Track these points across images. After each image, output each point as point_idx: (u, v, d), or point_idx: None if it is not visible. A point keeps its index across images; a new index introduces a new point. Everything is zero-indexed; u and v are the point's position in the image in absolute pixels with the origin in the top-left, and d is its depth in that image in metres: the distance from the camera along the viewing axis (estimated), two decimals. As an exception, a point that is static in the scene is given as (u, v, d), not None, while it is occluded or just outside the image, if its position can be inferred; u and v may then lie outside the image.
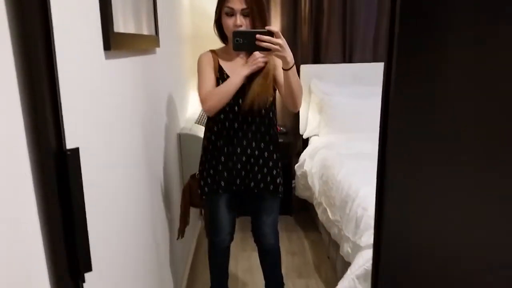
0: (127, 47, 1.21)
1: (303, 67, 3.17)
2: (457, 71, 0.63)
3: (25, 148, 0.63)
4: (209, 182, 1.71)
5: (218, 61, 1.64)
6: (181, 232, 1.90)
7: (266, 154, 1.67)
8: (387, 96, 0.65)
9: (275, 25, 3.14)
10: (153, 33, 1.64)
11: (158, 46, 1.72)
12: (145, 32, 1.49)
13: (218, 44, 1.70)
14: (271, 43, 1.34)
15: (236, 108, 1.61)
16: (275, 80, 1.60)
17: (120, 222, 1.12)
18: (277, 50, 1.35)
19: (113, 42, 1.04)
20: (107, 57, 1.03)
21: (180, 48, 2.57)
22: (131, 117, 1.28)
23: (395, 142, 0.67)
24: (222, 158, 1.66)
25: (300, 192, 2.94)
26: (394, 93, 0.66)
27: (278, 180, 1.71)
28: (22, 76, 0.63)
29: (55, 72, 0.65)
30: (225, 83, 1.55)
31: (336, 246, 2.16)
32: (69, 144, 0.68)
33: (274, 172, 1.69)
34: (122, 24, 1.16)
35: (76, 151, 0.66)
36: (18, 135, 0.62)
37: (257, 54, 1.51)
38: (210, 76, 1.61)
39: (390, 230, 0.71)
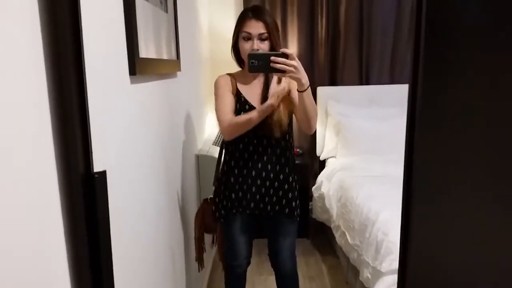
0: (151, 72, 1.24)
1: (319, 89, 3.19)
2: (483, 95, 0.63)
3: (54, 170, 0.65)
4: (226, 204, 1.71)
5: (236, 84, 1.66)
6: (200, 261, 1.88)
7: (281, 176, 1.66)
8: (413, 119, 0.65)
9: (292, 47, 3.19)
10: (175, 57, 1.69)
11: (180, 70, 1.76)
12: (168, 57, 1.53)
13: (234, 68, 1.73)
14: (286, 65, 1.35)
15: (252, 131, 1.61)
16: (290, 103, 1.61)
17: (140, 245, 1.13)
18: (291, 71, 1.36)
19: (138, 67, 1.07)
20: (132, 82, 1.06)
21: (199, 72, 2.62)
22: (154, 140, 1.30)
23: (420, 167, 0.66)
24: (238, 180, 1.66)
25: (318, 215, 2.91)
26: (420, 117, 0.65)
27: (293, 203, 1.69)
28: (54, 99, 0.65)
29: (85, 97, 0.67)
30: (248, 115, 1.54)
31: (355, 271, 2.11)
32: (97, 167, 0.69)
33: (290, 195, 1.68)
34: (146, 49, 1.20)
35: (103, 174, 0.68)
36: (48, 157, 0.64)
37: (278, 86, 1.51)
38: (228, 99, 1.62)
39: (415, 257, 0.69)
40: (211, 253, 2.72)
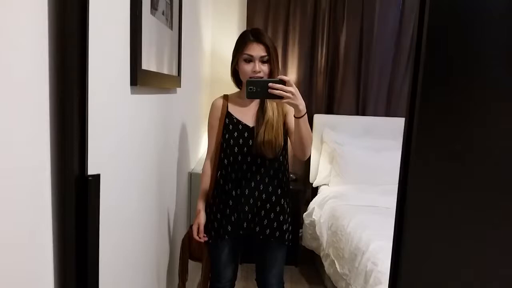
0: (151, 84, 1.26)
1: (316, 117, 3.22)
2: (481, 128, 0.63)
3: (48, 170, 0.64)
4: (216, 226, 1.68)
5: (227, 106, 1.68)
6: None
7: (273, 198, 1.65)
8: (408, 150, 0.65)
9: (292, 74, 3.24)
10: (176, 73, 1.71)
11: (179, 86, 1.78)
12: (169, 72, 1.55)
13: (233, 88, 1.74)
14: (284, 91, 1.37)
15: (245, 149, 1.62)
16: (286, 127, 1.63)
17: (127, 253, 1.11)
18: (289, 97, 1.38)
19: (139, 78, 1.08)
20: (132, 92, 1.07)
21: (198, 90, 2.65)
22: (149, 151, 1.30)
23: (414, 198, 0.66)
24: (230, 202, 1.64)
25: (308, 242, 2.87)
26: (415, 149, 0.65)
27: (284, 227, 1.67)
28: (55, 101, 0.65)
29: (85, 102, 0.68)
30: (200, 194, 1.73)
31: (343, 301, 2.07)
32: (91, 170, 0.69)
33: (281, 218, 1.66)
34: (149, 62, 1.22)
35: (97, 177, 0.67)
36: (44, 156, 0.64)
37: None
38: (212, 141, 1.71)
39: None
40: (196, 280, 2.66)
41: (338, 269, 2.13)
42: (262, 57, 1.56)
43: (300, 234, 3.03)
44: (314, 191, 3.24)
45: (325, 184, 3.15)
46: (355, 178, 2.93)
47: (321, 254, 2.56)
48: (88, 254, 0.65)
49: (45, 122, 0.64)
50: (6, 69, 0.55)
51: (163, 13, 1.42)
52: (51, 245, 0.65)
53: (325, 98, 3.30)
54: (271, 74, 1.58)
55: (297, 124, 1.48)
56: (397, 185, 0.67)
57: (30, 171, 0.60)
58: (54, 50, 0.64)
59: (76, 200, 0.64)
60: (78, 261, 0.66)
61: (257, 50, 1.56)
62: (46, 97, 0.64)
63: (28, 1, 0.59)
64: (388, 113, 3.29)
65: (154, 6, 1.27)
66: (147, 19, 1.19)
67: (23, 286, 0.60)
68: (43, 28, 0.62)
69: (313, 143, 3.16)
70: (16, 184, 0.57)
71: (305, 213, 2.97)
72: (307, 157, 1.62)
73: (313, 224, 2.77)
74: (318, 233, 2.64)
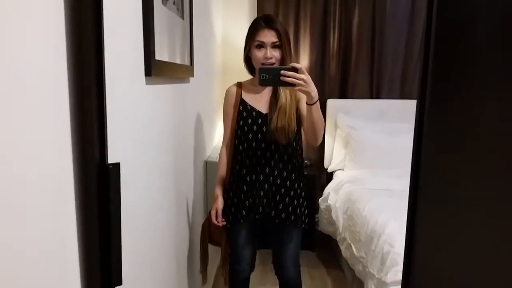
0: (165, 74, 1.28)
1: (329, 101, 3.20)
2: (492, 111, 0.63)
3: (70, 160, 0.67)
4: (233, 211, 1.72)
5: (241, 94, 1.70)
6: (204, 273, 1.89)
7: (288, 183, 1.68)
8: (420, 134, 0.65)
9: (304, 59, 3.22)
10: (188, 63, 1.72)
11: (192, 75, 1.79)
12: (182, 62, 1.57)
13: (246, 76, 1.76)
14: (296, 79, 1.38)
15: (259, 136, 1.64)
16: (298, 113, 1.64)
17: (147, 240, 1.14)
18: (301, 85, 1.39)
19: (154, 68, 1.10)
20: (147, 83, 1.09)
21: (211, 79, 2.66)
22: (165, 140, 1.33)
23: (427, 181, 0.66)
24: (245, 187, 1.68)
25: (324, 227, 2.89)
26: (427, 132, 0.65)
27: (298, 210, 1.70)
28: (74, 93, 0.68)
29: (103, 93, 0.70)
30: (217, 177, 1.77)
31: (360, 284, 2.09)
32: (111, 159, 0.71)
33: (295, 201, 1.69)
34: (162, 53, 1.24)
35: (117, 165, 0.70)
36: (66, 146, 0.66)
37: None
38: (228, 128, 1.74)
39: (419, 268, 0.69)
40: (214, 265, 2.72)
41: (355, 252, 2.15)
42: (273, 43, 1.57)
43: (316, 219, 3.05)
44: (329, 176, 3.25)
45: (340, 169, 3.15)
46: (370, 162, 2.92)
47: (338, 238, 2.58)
48: (112, 242, 0.68)
49: (65, 113, 0.66)
50: (28, 64, 0.57)
51: (174, 3, 1.43)
52: (75, 232, 0.68)
53: (338, 83, 3.27)
54: (283, 60, 1.58)
55: (309, 111, 1.49)
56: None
57: (53, 160, 0.63)
58: (71, 45, 0.66)
59: (97, 188, 0.67)
60: (101, 249, 0.69)
61: (268, 36, 1.57)
62: (66, 89, 0.66)
63: (42, 7, 0.61)
64: (403, 96, 3.24)
65: (165, -3, 1.28)
66: (159, 9, 1.20)
67: (51, 272, 0.63)
68: (59, 24, 0.64)
69: (327, 128, 3.18)
70: (40, 173, 0.60)
71: (320, 198, 2.98)
72: (319, 143, 1.64)
73: (328, 208, 2.79)
74: (334, 217, 2.65)
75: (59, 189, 0.65)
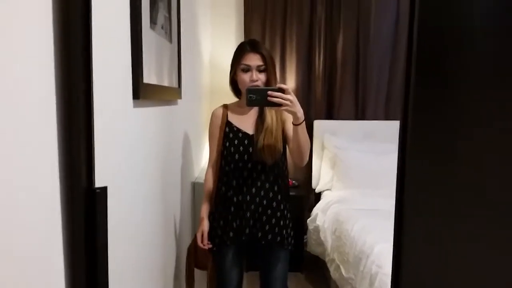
0: (153, 97, 1.28)
1: (316, 123, 3.25)
2: (476, 126, 0.64)
3: (57, 183, 0.67)
4: (219, 233, 1.70)
5: (227, 115, 1.72)
6: None
7: (274, 204, 1.68)
8: (404, 152, 0.67)
9: (291, 81, 3.28)
10: (176, 85, 1.74)
11: (180, 97, 1.81)
12: (169, 84, 1.58)
13: (232, 98, 1.78)
14: (282, 99, 1.41)
15: (245, 156, 1.65)
16: (284, 134, 1.66)
17: (134, 264, 1.12)
18: (287, 105, 1.42)
19: (142, 91, 1.11)
20: (135, 105, 1.10)
21: (199, 101, 2.68)
22: (153, 163, 1.32)
23: (412, 200, 0.67)
24: (232, 208, 1.67)
25: (312, 248, 2.88)
26: (411, 151, 0.66)
27: (285, 231, 1.69)
28: (62, 115, 0.68)
29: (91, 116, 0.70)
30: (203, 203, 1.78)
31: (350, 306, 2.07)
32: (98, 183, 0.71)
33: (282, 222, 1.68)
34: (150, 76, 1.25)
35: (104, 189, 0.69)
36: (53, 170, 0.66)
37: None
38: (213, 149, 1.75)
39: None
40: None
41: (344, 274, 2.14)
42: (259, 66, 1.61)
43: (304, 240, 3.04)
44: (317, 196, 3.26)
45: (327, 189, 3.16)
46: (357, 182, 2.95)
47: (326, 259, 2.57)
48: (98, 265, 0.67)
49: (53, 136, 0.66)
50: (15, 85, 0.57)
51: (162, 27, 1.46)
52: (61, 255, 0.67)
53: (324, 104, 3.33)
54: (268, 82, 1.62)
55: (295, 131, 1.52)
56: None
57: (40, 183, 0.63)
58: (60, 67, 0.67)
59: (85, 211, 0.66)
60: (88, 272, 0.68)
61: (254, 60, 1.61)
62: (53, 111, 0.66)
63: (32, 23, 0.62)
64: (387, 117, 3.31)
65: (153, 21, 1.31)
66: (147, 34, 1.22)
67: (37, 296, 0.62)
68: (48, 46, 0.65)
69: (314, 149, 3.21)
70: (27, 195, 0.60)
71: (309, 219, 2.98)
72: (305, 163, 1.65)
73: (317, 229, 2.78)
74: (322, 238, 2.65)
75: (46, 211, 0.64)
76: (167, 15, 1.54)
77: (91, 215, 0.67)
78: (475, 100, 0.64)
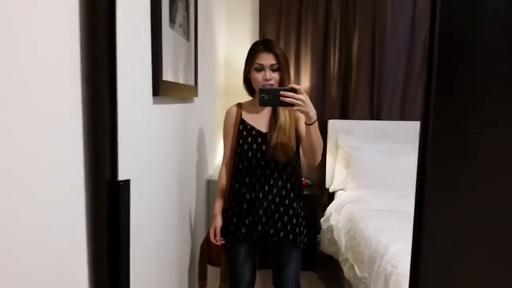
0: (171, 94, 1.31)
1: (330, 122, 3.24)
2: (499, 128, 0.63)
3: (82, 176, 0.69)
4: (232, 230, 1.72)
5: (241, 114, 1.74)
6: None
7: (287, 202, 1.68)
8: (424, 155, 0.66)
9: (305, 81, 3.28)
10: (193, 83, 1.76)
11: (196, 95, 1.83)
12: (186, 82, 1.60)
13: (246, 97, 1.79)
14: (295, 99, 1.42)
15: (259, 154, 1.66)
16: (297, 133, 1.67)
17: (153, 258, 1.15)
18: (300, 105, 1.43)
19: (161, 88, 1.13)
20: (154, 102, 1.12)
21: (214, 99, 2.71)
22: (171, 159, 1.35)
23: (432, 201, 0.66)
24: (245, 205, 1.69)
25: (326, 247, 2.88)
26: (431, 152, 0.65)
27: (298, 230, 1.69)
28: (88, 111, 0.70)
29: (116, 112, 0.73)
30: (217, 197, 1.80)
31: (363, 305, 2.07)
32: (121, 176, 0.73)
33: (295, 221, 1.69)
34: (168, 73, 1.27)
35: (127, 182, 0.71)
36: (78, 163, 0.68)
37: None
38: (228, 147, 1.77)
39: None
40: (214, 286, 2.69)
41: (358, 273, 2.14)
42: (272, 65, 1.62)
43: (318, 240, 3.04)
44: (331, 196, 3.25)
45: (341, 189, 3.15)
46: (371, 182, 2.93)
47: (340, 259, 2.56)
48: (120, 257, 0.69)
49: (79, 131, 0.68)
50: (45, 85, 0.60)
51: (180, 26, 1.48)
52: (85, 246, 0.69)
53: (339, 104, 3.32)
54: (281, 81, 1.63)
55: (307, 131, 1.52)
56: (414, 189, 0.68)
57: (66, 176, 0.65)
58: (86, 68, 0.69)
59: (108, 204, 0.68)
60: (110, 264, 0.70)
61: (267, 59, 1.62)
62: (79, 106, 0.68)
63: (60, 26, 0.64)
64: (403, 117, 3.28)
65: (172, 20, 1.33)
66: (167, 32, 1.24)
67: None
68: (75, 48, 0.67)
69: (328, 148, 3.21)
70: (52, 188, 0.62)
71: (322, 218, 2.97)
72: (317, 163, 1.66)
73: (330, 229, 2.78)
74: (336, 237, 2.65)
75: (71, 203, 0.66)
76: (185, 14, 1.56)
77: (115, 208, 0.69)
78: (497, 101, 0.63)
